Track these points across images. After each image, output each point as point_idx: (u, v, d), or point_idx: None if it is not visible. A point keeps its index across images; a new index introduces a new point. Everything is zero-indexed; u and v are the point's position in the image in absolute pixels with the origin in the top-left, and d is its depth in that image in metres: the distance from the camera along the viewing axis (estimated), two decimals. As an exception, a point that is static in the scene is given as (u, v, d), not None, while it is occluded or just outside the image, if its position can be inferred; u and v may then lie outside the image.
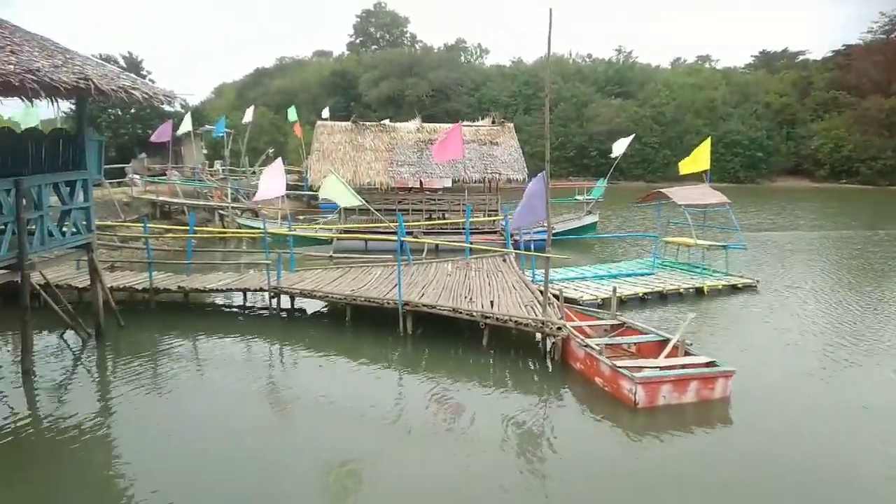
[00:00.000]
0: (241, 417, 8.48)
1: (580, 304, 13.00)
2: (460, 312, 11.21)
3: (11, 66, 7.51)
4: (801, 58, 72.24)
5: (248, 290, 13.64)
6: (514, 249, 15.71)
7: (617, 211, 32.39)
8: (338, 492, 6.82)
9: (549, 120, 10.63)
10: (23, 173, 9.59)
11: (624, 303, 13.72)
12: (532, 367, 10.37)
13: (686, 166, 18.94)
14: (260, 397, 9.32)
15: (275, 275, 13.20)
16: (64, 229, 10.50)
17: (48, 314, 11.10)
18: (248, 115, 31.71)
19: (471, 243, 16.63)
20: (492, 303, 11.60)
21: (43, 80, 7.82)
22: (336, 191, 11.89)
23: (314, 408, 8.84)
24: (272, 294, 13.24)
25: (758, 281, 16.15)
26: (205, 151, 39.87)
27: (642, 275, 16.43)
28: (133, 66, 40.10)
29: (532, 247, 14.61)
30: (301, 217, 27.64)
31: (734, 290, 15.56)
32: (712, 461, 7.24)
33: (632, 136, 25.61)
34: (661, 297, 14.76)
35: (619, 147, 24.89)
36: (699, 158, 18.57)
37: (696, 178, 18.99)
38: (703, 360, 9.15)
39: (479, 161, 22.82)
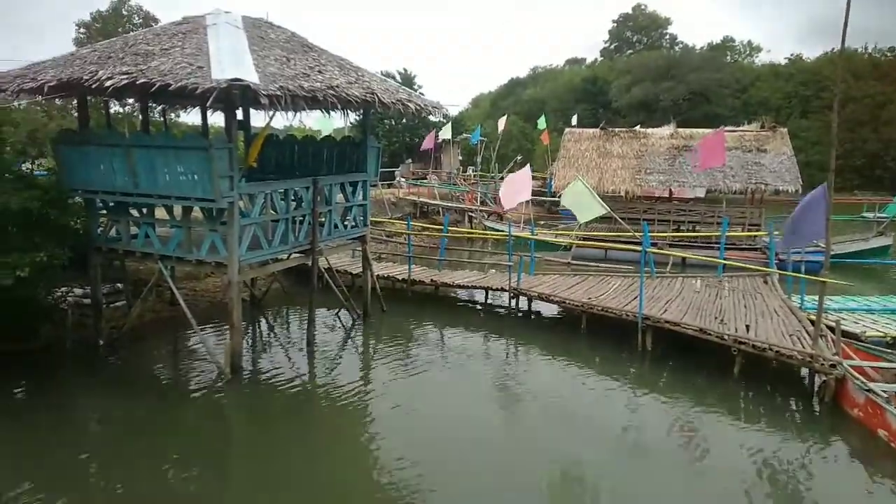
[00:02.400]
0: (478, 406, 9.00)
1: (862, 341, 10.99)
2: (709, 334, 10.31)
3: (318, 84, 9.01)
4: None
5: (491, 288, 14.36)
6: (780, 270, 13.90)
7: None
8: (562, 495, 6.83)
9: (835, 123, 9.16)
10: (318, 174, 11.44)
11: (925, 346, 11.23)
12: (794, 407, 9.09)
13: None
14: (496, 390, 9.76)
15: (515, 276, 13.69)
16: (346, 222, 12.25)
17: (328, 294, 13.06)
18: (501, 124, 33.32)
19: (725, 259, 15.18)
20: (747, 327, 10.45)
21: (340, 94, 9.24)
22: (578, 201, 11.77)
23: (545, 408, 8.97)
24: (512, 294, 13.74)
25: None
26: (460, 158, 42.95)
27: (955, 314, 13.22)
28: (407, 81, 44.93)
29: (803, 269, 12.78)
30: (541, 222, 28.12)
31: None
32: None
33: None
34: (985, 345, 11.74)
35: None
36: None
37: None
38: None
39: (742, 169, 20.70)
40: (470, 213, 27.48)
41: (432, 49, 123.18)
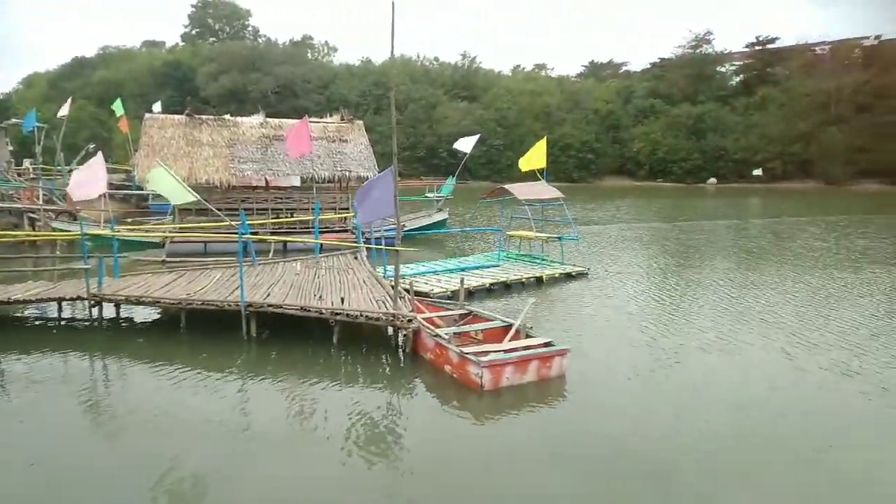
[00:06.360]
0: (63, 437, 7.50)
1: (431, 297, 13.23)
2: (309, 311, 10.86)
3: None
4: (623, 69, 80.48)
5: (63, 299, 12.13)
6: (365, 245, 15.61)
7: (466, 208, 33.57)
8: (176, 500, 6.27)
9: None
10: None
11: (472, 294, 14.20)
12: (384, 362, 10.33)
13: (525, 163, 20.15)
14: (83, 415, 8.30)
15: (95, 281, 11.87)
16: None
17: None
18: (65, 109, 28.34)
19: (321, 241, 16.23)
20: (342, 299, 11.40)
21: None
22: (166, 185, 10.91)
23: (149, 422, 8.00)
24: (92, 303, 11.90)
25: (589, 269, 17.59)
26: (10, 148, 34.94)
27: (489, 267, 17.16)
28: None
29: (383, 243, 14.62)
30: (129, 220, 25.26)
31: (569, 277, 16.78)
32: (546, 436, 7.66)
33: (477, 136, 26.65)
34: (506, 287, 15.51)
35: (464, 145, 25.78)
36: (536, 156, 19.84)
37: (535, 176, 20.29)
38: (542, 341, 9.71)
39: (329, 158, 22.39)
40: (31, 214, 22.68)
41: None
